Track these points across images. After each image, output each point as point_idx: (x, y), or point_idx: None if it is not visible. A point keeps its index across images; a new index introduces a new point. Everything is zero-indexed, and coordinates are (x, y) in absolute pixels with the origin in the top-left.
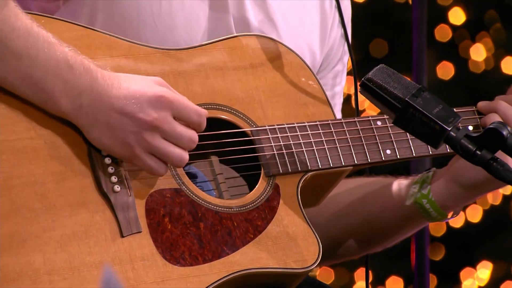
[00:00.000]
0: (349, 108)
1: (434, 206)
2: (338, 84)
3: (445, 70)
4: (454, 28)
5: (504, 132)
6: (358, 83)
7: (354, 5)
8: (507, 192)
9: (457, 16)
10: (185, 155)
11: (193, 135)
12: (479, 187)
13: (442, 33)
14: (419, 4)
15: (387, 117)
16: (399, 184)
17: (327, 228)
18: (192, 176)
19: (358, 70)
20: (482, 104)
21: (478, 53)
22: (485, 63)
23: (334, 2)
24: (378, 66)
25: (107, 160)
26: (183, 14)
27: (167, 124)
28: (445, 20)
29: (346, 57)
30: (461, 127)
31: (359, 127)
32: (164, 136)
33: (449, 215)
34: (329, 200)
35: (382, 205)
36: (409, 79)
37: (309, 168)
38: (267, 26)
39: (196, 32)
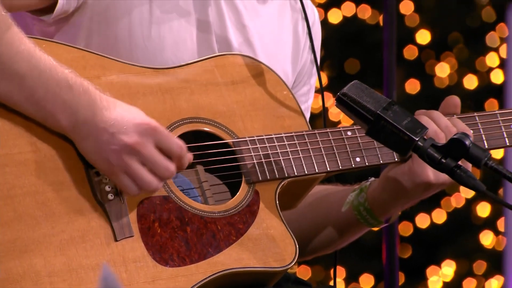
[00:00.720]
0: (321, 121)
1: (370, 214)
2: (306, 101)
3: (413, 86)
4: (420, 48)
5: (467, 142)
6: (334, 99)
7: (330, 27)
8: (469, 196)
9: (423, 37)
10: (155, 183)
11: (170, 166)
12: (402, 197)
13: (410, 52)
14: (389, 25)
15: (357, 127)
16: (342, 192)
17: None
18: (180, 184)
19: (334, 85)
20: (420, 111)
21: (443, 70)
22: (449, 79)
23: (306, 28)
24: (352, 82)
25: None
26: (171, 36)
27: (146, 149)
28: (413, 41)
29: (314, 78)
30: (427, 138)
31: (331, 137)
32: (142, 160)
33: (384, 221)
34: None
35: (327, 211)
36: (380, 93)
37: (286, 175)
38: (246, 47)
39: (183, 52)
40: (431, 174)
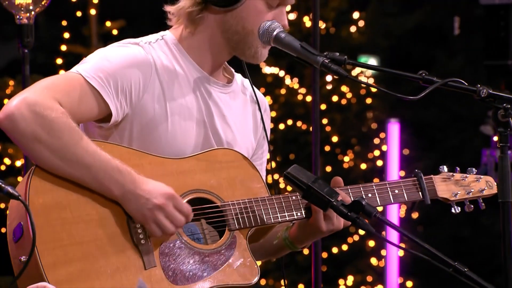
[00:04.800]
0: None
1: (291, 243)
2: (262, 158)
3: (329, 168)
4: (333, 145)
5: (363, 202)
6: (280, 177)
7: (278, 133)
8: (363, 233)
9: (334, 139)
10: (174, 230)
11: (183, 220)
12: (309, 236)
13: (327, 149)
14: (315, 132)
15: (298, 194)
16: (278, 229)
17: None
18: (191, 231)
19: (281, 168)
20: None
21: (346, 159)
22: (349, 164)
23: (259, 116)
24: (293, 165)
25: (137, 225)
26: (182, 136)
27: (169, 208)
28: (329, 142)
29: (266, 145)
30: (339, 199)
31: (282, 200)
32: (166, 215)
33: (300, 247)
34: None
35: (270, 241)
36: (310, 172)
37: (253, 225)
38: (227, 130)
39: (190, 146)
40: (324, 226)
